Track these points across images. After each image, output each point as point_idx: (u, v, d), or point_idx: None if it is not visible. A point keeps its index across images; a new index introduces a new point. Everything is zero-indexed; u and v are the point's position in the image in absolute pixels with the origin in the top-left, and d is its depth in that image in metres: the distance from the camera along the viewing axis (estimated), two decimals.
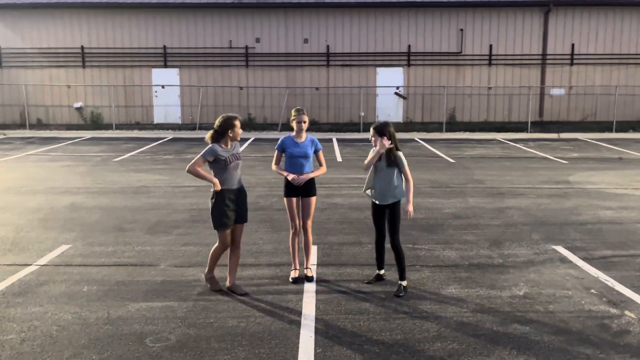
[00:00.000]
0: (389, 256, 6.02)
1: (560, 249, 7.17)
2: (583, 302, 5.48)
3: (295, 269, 6.18)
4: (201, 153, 5.47)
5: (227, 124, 5.50)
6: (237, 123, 5.55)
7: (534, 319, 5.07)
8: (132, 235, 7.76)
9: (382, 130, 5.59)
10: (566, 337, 4.73)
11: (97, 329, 4.84)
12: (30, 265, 6.52)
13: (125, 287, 5.82)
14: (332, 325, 4.94)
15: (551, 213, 9.10)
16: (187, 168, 5.46)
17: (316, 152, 6.17)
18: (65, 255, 6.91)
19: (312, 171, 6.13)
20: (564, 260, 6.78)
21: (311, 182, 6.11)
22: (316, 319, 5.06)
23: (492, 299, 5.55)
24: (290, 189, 6.07)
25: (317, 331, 4.81)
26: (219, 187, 5.41)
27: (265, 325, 4.91)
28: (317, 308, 5.30)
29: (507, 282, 6.01)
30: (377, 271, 6.09)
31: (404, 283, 5.71)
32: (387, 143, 5.53)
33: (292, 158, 6.04)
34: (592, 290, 5.77)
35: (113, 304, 5.38)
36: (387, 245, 5.85)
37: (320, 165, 6.24)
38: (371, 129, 5.67)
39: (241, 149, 5.93)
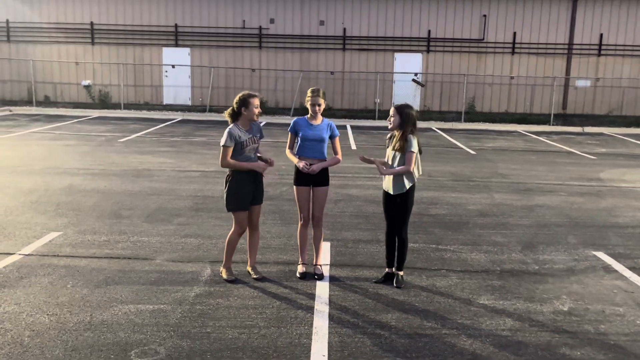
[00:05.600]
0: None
1: (602, 256, 6.42)
2: (639, 321, 4.74)
3: (303, 263, 5.59)
4: (222, 143, 5.08)
5: (240, 102, 5.13)
6: (254, 101, 5.12)
7: (585, 342, 4.34)
8: (129, 224, 7.10)
9: (401, 110, 5.21)
10: None
11: (76, 336, 4.17)
12: (13, 254, 5.87)
13: (114, 285, 5.16)
14: (348, 341, 4.23)
15: (586, 213, 8.33)
16: (220, 163, 5.15)
17: (332, 137, 5.50)
18: (53, 244, 6.26)
19: (327, 158, 5.49)
20: (608, 269, 6.03)
21: (325, 170, 5.46)
22: (330, 332, 4.36)
23: (532, 314, 4.83)
24: (301, 177, 5.46)
25: (331, 348, 4.12)
26: (272, 165, 5.30)
27: (270, 339, 4.22)
28: (331, 318, 4.60)
29: (547, 294, 5.28)
30: (387, 269, 5.55)
31: (402, 273, 5.46)
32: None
33: (306, 141, 5.38)
34: None
35: (98, 305, 4.72)
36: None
37: (335, 153, 5.54)
38: (392, 107, 5.26)
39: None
